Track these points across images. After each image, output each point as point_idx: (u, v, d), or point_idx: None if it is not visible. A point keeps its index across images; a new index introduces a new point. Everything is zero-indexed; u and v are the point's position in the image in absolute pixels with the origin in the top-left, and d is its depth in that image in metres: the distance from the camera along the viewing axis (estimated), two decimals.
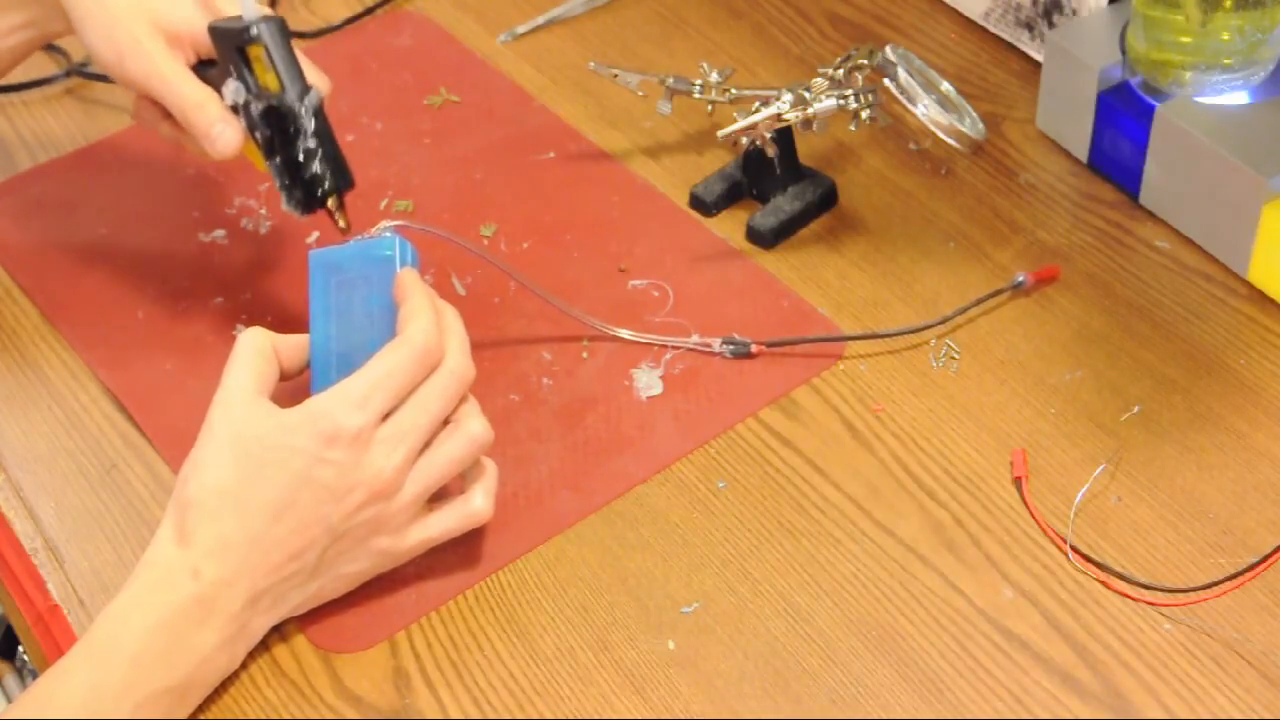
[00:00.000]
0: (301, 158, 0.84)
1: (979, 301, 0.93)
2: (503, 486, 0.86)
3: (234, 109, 0.86)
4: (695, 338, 0.92)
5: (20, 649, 1.21)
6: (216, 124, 0.85)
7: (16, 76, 1.14)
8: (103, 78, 1.10)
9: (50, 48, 1.16)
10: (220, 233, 1.02)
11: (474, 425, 0.79)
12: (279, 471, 0.75)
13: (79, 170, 1.08)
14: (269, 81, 0.84)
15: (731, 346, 0.91)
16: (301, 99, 0.84)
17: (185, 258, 1.01)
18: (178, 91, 0.85)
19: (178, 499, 0.76)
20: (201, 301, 0.97)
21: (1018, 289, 0.94)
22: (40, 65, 1.15)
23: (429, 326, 0.78)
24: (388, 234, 0.83)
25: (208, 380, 0.93)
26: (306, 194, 0.86)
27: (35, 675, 1.22)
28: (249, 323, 0.95)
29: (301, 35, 1.18)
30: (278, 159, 0.85)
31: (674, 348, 0.92)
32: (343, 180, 0.86)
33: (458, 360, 0.79)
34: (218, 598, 0.74)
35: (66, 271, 1.00)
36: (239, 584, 0.74)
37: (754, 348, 0.91)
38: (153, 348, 0.95)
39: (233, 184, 1.05)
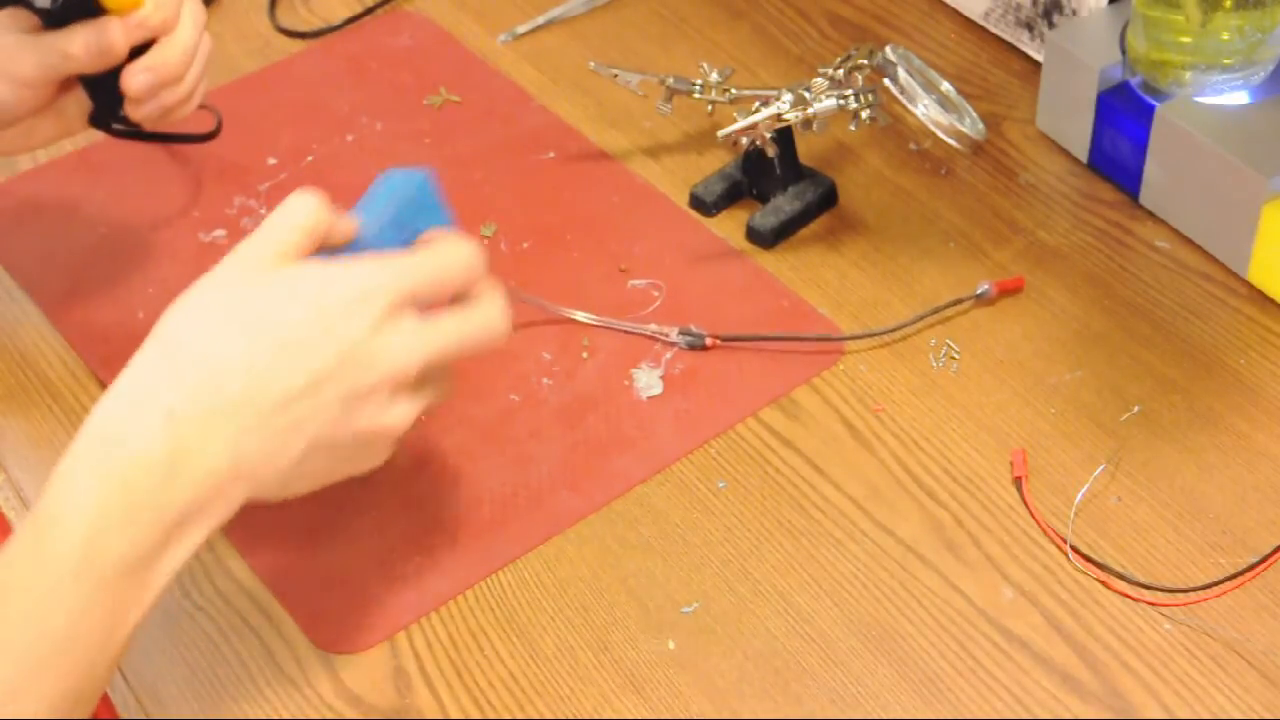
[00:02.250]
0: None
1: (936, 310, 0.93)
2: (503, 486, 0.86)
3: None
4: (652, 326, 0.92)
5: None
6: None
7: None
8: (175, 138, 1.09)
9: None
10: (220, 233, 1.02)
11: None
12: (305, 310, 0.66)
13: (79, 170, 1.08)
14: None
15: (688, 338, 0.91)
16: None
17: (185, 258, 1.00)
18: (68, 35, 0.84)
19: (157, 333, 0.66)
20: None
21: (980, 299, 0.93)
22: None
23: (474, 249, 0.72)
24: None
25: None
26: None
27: None
28: None
29: (302, 35, 1.18)
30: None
31: (629, 333, 0.91)
32: None
33: (502, 309, 0.73)
34: (194, 448, 0.64)
35: (66, 271, 1.00)
36: (224, 435, 0.65)
37: (708, 340, 0.91)
38: None
39: (233, 184, 1.05)
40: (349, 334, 0.67)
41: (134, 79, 0.86)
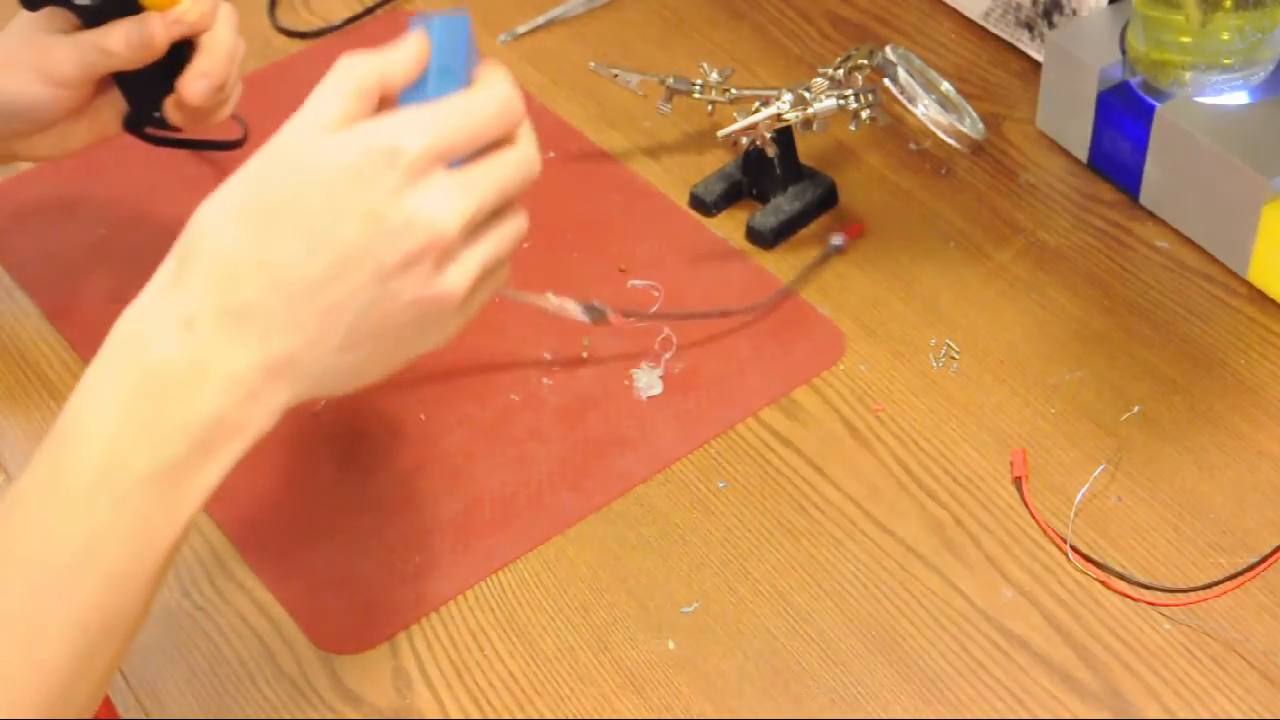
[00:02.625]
0: None
1: (809, 269, 0.96)
2: (503, 486, 0.86)
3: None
4: (549, 294, 0.89)
5: None
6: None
7: None
8: (206, 145, 1.08)
9: None
10: None
11: (523, 219, 0.67)
12: (315, 188, 0.60)
13: (79, 170, 1.08)
14: None
15: (592, 314, 0.90)
16: None
17: None
18: (107, 32, 0.84)
19: (185, 231, 0.62)
20: None
21: (837, 250, 0.96)
22: None
23: (512, 87, 0.65)
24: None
25: None
26: None
27: None
28: None
29: (302, 35, 1.18)
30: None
31: (539, 306, 0.90)
32: None
33: (533, 149, 0.67)
34: (217, 358, 0.60)
35: (66, 271, 1.00)
36: (248, 342, 0.60)
37: (611, 316, 0.90)
38: None
39: None
40: (368, 204, 0.60)
41: (193, 85, 0.86)
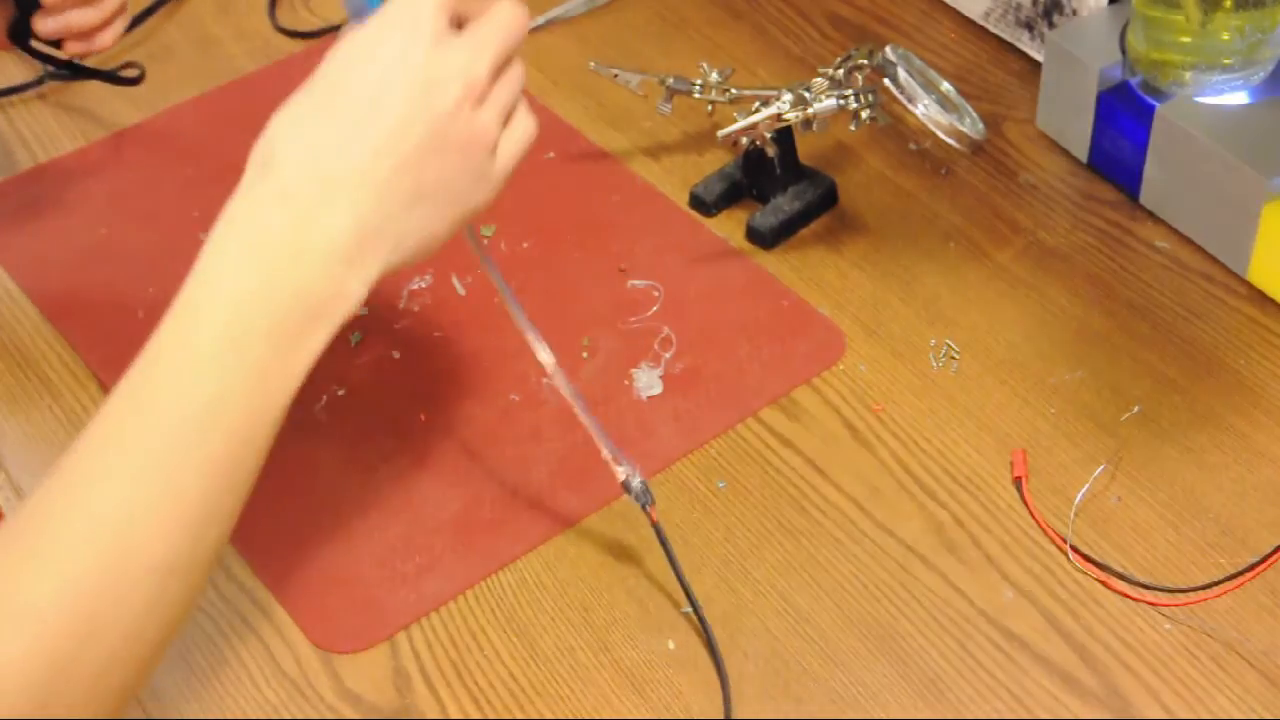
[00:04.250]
0: None
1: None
2: (502, 486, 0.86)
3: None
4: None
5: None
6: None
7: (15, 78, 1.14)
8: (95, 74, 1.08)
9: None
10: None
11: (521, 67, 0.75)
12: (366, 63, 0.70)
13: (79, 170, 1.08)
14: None
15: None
16: None
17: (185, 258, 1.00)
18: None
19: (259, 141, 0.70)
20: None
21: None
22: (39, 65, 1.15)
23: None
24: None
25: None
26: None
27: None
28: None
29: (302, 35, 1.18)
30: None
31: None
32: None
33: (520, 7, 0.74)
34: (315, 221, 0.68)
35: (66, 271, 1.00)
36: (338, 203, 0.68)
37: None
38: None
39: (233, 184, 1.04)
40: (410, 69, 0.69)
41: None
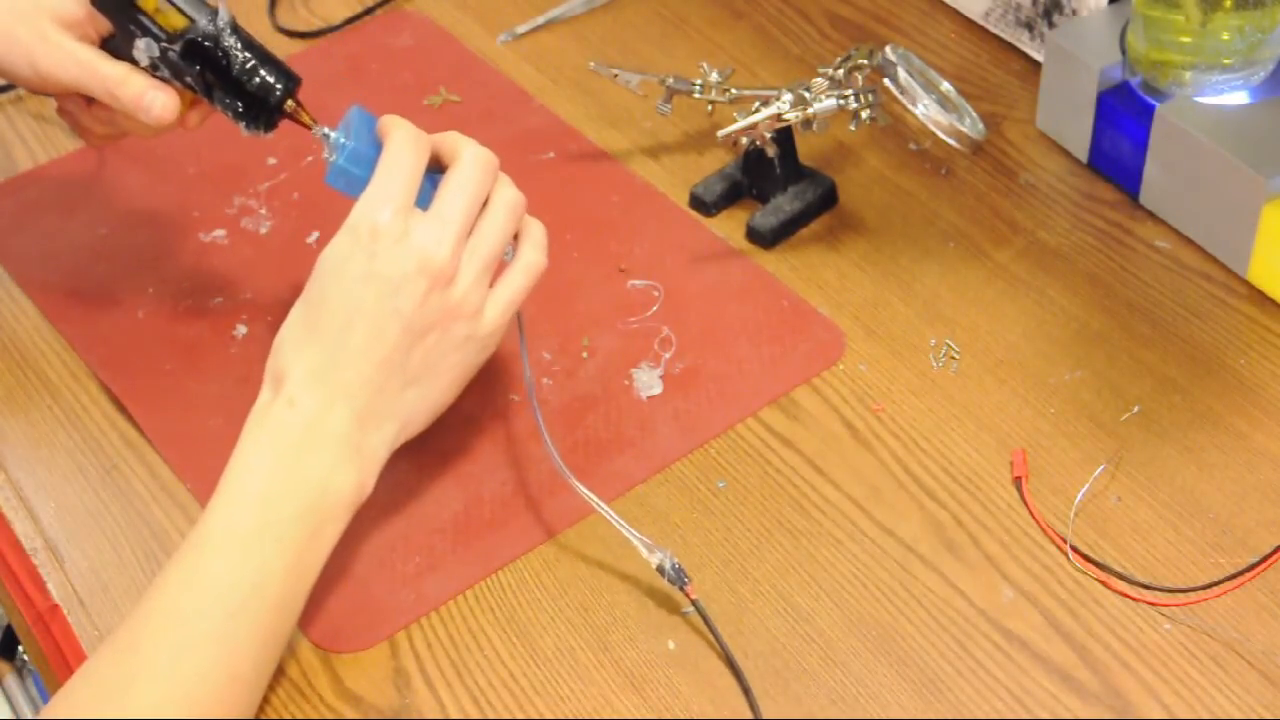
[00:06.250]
0: (242, 74, 0.82)
1: None
2: (503, 486, 0.86)
3: (153, 69, 0.84)
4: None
5: (20, 649, 1.21)
6: (147, 92, 0.84)
7: None
8: None
9: None
10: (220, 233, 1.02)
11: (508, 193, 0.81)
12: (337, 283, 0.77)
13: (79, 170, 1.08)
14: (174, 22, 0.82)
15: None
16: (214, 21, 0.82)
17: (185, 258, 1.01)
18: (99, 73, 0.85)
19: (269, 358, 0.78)
20: (201, 301, 0.97)
21: None
22: None
23: (407, 123, 0.80)
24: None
25: (208, 380, 0.93)
26: (263, 108, 0.83)
27: (35, 675, 1.22)
28: (249, 323, 0.95)
29: (302, 35, 1.18)
30: (218, 90, 0.83)
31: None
32: (290, 80, 0.84)
33: (474, 149, 0.80)
34: (321, 422, 0.76)
35: (66, 271, 1.00)
36: (336, 404, 0.76)
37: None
38: (153, 348, 0.95)
39: (233, 184, 1.05)
40: (374, 273, 0.76)
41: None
